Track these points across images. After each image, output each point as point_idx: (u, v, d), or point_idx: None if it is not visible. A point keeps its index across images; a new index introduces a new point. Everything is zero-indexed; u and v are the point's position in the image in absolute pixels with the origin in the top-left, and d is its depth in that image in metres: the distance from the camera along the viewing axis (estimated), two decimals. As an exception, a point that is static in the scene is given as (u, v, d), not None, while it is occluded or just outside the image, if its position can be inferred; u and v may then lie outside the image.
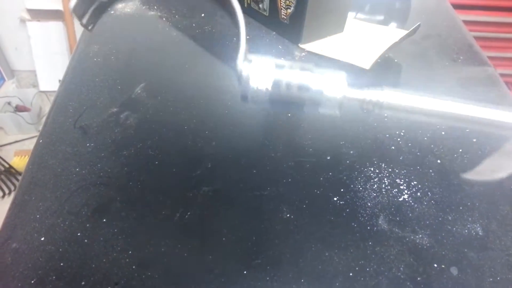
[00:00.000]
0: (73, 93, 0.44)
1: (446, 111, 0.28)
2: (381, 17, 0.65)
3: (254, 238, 0.33)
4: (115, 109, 0.42)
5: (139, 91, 0.44)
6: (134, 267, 0.31)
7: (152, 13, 0.56)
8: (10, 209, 0.34)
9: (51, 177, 0.36)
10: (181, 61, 0.49)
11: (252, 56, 0.27)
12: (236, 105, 0.44)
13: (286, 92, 0.27)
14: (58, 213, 0.34)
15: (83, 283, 0.30)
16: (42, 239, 0.32)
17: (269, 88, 0.27)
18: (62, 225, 0.33)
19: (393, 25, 0.63)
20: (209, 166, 0.38)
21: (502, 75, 1.64)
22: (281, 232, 0.34)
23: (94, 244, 0.32)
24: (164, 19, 0.55)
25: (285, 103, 0.28)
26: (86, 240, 0.32)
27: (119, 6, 0.56)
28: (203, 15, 0.56)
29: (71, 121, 0.41)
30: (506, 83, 1.68)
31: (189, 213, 0.35)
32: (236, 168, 0.39)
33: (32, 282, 0.30)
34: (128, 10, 0.56)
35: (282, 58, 0.29)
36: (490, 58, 1.56)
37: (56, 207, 0.34)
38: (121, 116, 0.42)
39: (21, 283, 0.30)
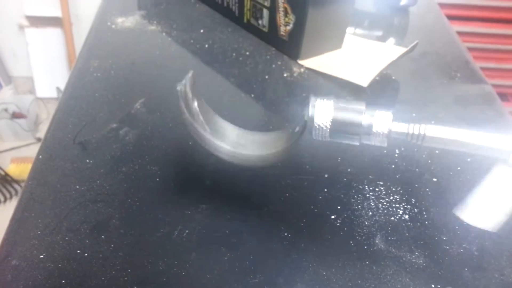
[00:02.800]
0: (72, 108, 0.44)
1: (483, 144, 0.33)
2: (379, 33, 0.66)
3: (251, 256, 0.34)
4: (114, 125, 0.42)
5: (138, 107, 0.45)
6: (132, 285, 0.31)
7: (152, 27, 0.56)
8: (9, 225, 0.34)
9: (50, 194, 0.36)
10: (181, 77, 0.49)
11: (316, 100, 0.33)
12: (237, 122, 0.45)
13: (343, 128, 0.33)
14: (57, 230, 0.34)
15: (81, 301, 0.30)
16: (42, 256, 0.32)
17: (328, 126, 0.33)
18: (61, 242, 0.33)
19: (391, 40, 0.64)
20: (208, 183, 0.39)
21: (502, 86, 1.67)
22: (278, 251, 0.34)
23: (93, 262, 0.32)
24: (164, 34, 0.56)
25: (343, 137, 0.34)
26: (85, 257, 0.32)
27: (119, 20, 0.56)
28: (202, 30, 0.56)
29: (71, 137, 0.41)
30: (506, 94, 1.70)
31: (187, 231, 0.35)
32: (234, 186, 0.39)
33: (31, 300, 0.30)
34: (129, 24, 0.56)
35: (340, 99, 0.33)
36: (489, 69, 1.58)
37: (55, 224, 0.34)
38: (121, 132, 0.42)
39: (20, 302, 0.30)
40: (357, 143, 0.34)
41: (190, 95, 0.34)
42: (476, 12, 1.51)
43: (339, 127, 0.33)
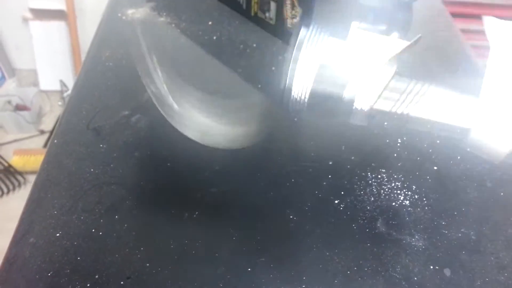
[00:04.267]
0: (86, 96, 0.45)
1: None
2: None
3: (258, 237, 0.35)
4: (126, 112, 0.44)
5: (149, 96, 0.46)
6: (145, 262, 0.33)
7: (161, 19, 0.58)
8: (26, 205, 0.36)
9: (65, 176, 0.38)
10: (190, 67, 0.50)
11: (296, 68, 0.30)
12: (244, 111, 0.46)
13: (322, 102, 0.30)
14: (73, 210, 0.35)
15: (96, 276, 0.32)
16: (58, 234, 0.34)
17: (306, 99, 0.30)
18: (76, 221, 0.35)
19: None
20: (217, 168, 0.40)
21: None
22: (284, 233, 0.36)
23: (107, 240, 0.34)
24: (173, 25, 0.57)
25: (320, 109, 0.31)
26: (100, 236, 0.34)
27: (130, 12, 0.58)
28: (210, 22, 0.58)
29: (84, 123, 0.42)
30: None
31: (197, 212, 0.36)
32: (242, 171, 0.40)
33: (49, 274, 0.32)
34: (138, 16, 0.57)
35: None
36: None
37: (70, 204, 0.36)
38: (132, 119, 0.43)
39: (39, 275, 0.31)
40: (337, 119, 0.32)
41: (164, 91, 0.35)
42: (489, 10, 1.52)
43: (317, 100, 0.30)
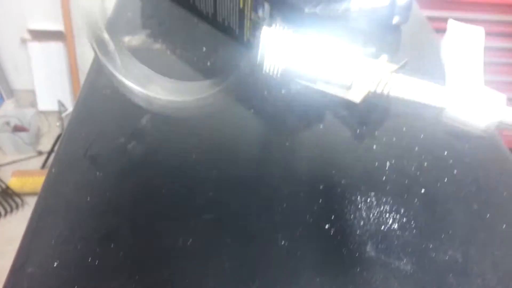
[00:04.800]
0: (82, 123, 0.47)
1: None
2: (373, 49, 0.69)
3: (250, 264, 0.36)
4: (122, 139, 0.45)
5: (144, 122, 0.47)
6: (140, 290, 0.34)
7: (157, 46, 0.59)
8: (24, 235, 0.37)
9: (63, 205, 0.39)
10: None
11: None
12: (236, 135, 0.48)
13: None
14: (70, 240, 0.36)
15: (93, 305, 0.33)
16: (56, 264, 0.35)
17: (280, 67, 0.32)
18: (73, 251, 0.36)
19: (384, 57, 0.67)
20: (210, 194, 0.41)
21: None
22: (276, 259, 0.37)
23: (103, 269, 0.35)
24: (168, 52, 0.59)
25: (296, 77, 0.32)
26: (96, 265, 0.35)
27: (126, 39, 0.59)
28: (204, 49, 0.60)
29: (82, 151, 0.43)
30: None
31: (191, 239, 0.37)
32: (235, 197, 0.41)
33: (47, 304, 0.32)
34: (135, 43, 0.59)
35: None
36: (490, 82, 1.61)
37: (68, 233, 0.37)
38: (128, 146, 0.45)
39: (37, 305, 0.32)
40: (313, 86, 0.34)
41: (106, 38, 0.34)
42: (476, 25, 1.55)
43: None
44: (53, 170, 0.42)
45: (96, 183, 0.41)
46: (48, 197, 0.40)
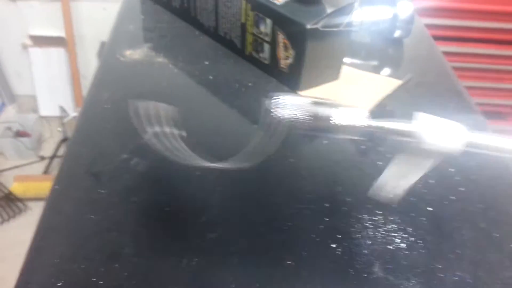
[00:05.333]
0: (85, 140, 0.46)
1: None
2: (375, 63, 0.69)
3: (257, 285, 0.36)
4: (125, 156, 0.45)
5: (147, 138, 0.47)
6: (144, 312, 0.33)
7: (159, 59, 0.59)
8: (28, 254, 0.36)
9: (66, 223, 0.39)
10: (186, 108, 0.51)
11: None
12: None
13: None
14: (74, 259, 0.36)
15: (97, 328, 0.32)
16: (60, 284, 0.34)
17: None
18: (77, 270, 0.35)
19: (386, 70, 0.67)
20: (215, 212, 0.41)
21: (499, 105, 1.70)
22: (282, 279, 0.36)
23: (107, 290, 0.34)
24: (170, 65, 0.58)
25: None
26: (100, 285, 0.34)
27: (128, 52, 0.59)
28: (206, 62, 0.59)
29: (84, 168, 0.43)
30: (502, 113, 1.74)
31: (196, 259, 0.37)
32: (240, 215, 0.41)
33: (50, 327, 0.32)
34: (137, 56, 0.59)
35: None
36: (487, 89, 1.62)
37: (71, 252, 0.36)
38: (131, 162, 0.44)
39: (39, 328, 0.32)
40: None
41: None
42: (474, 33, 1.56)
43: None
44: (56, 187, 0.41)
45: (99, 201, 0.40)
46: (51, 215, 0.39)
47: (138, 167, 0.44)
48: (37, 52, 1.98)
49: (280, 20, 0.53)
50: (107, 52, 0.61)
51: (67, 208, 0.40)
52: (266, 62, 0.58)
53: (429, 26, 0.80)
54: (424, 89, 0.60)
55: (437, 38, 0.77)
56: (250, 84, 0.57)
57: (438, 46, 0.74)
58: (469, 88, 1.50)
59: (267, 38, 0.56)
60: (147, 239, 0.38)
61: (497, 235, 0.41)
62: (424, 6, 1.43)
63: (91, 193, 0.41)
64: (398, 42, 0.71)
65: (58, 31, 1.91)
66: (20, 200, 1.67)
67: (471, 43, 1.57)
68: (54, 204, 0.40)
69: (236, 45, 0.61)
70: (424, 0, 1.44)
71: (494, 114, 1.76)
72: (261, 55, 0.58)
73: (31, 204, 1.69)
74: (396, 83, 0.55)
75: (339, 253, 0.39)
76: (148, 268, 0.36)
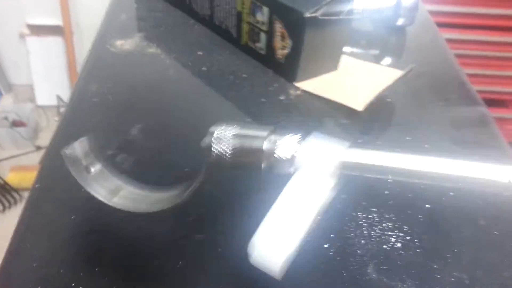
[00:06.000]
0: (70, 135, 0.44)
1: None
2: (376, 52, 0.66)
3: (246, 286, 0.34)
4: (111, 152, 0.43)
5: (135, 133, 0.45)
6: (126, 318, 0.32)
7: (151, 50, 0.57)
8: (6, 256, 0.35)
9: (46, 224, 0.37)
10: (177, 101, 0.50)
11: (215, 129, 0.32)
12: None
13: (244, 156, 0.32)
14: (53, 262, 0.34)
15: (76, 335, 0.31)
16: (37, 289, 0.33)
17: (228, 155, 0.32)
18: (56, 275, 0.34)
19: (387, 60, 0.64)
20: (202, 211, 0.39)
21: (501, 93, 1.68)
22: (273, 280, 0.35)
23: (88, 295, 0.33)
24: (163, 56, 0.56)
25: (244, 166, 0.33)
26: (80, 291, 0.33)
27: (119, 43, 0.57)
28: (200, 53, 0.57)
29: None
30: (506, 101, 1.71)
31: (180, 262, 0.35)
32: (228, 214, 0.39)
33: (26, 334, 0.30)
34: (128, 47, 0.57)
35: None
36: (490, 76, 1.60)
37: (50, 255, 0.35)
38: (117, 159, 0.42)
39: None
40: (260, 171, 0.33)
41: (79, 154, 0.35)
42: (477, 20, 1.53)
43: (239, 155, 0.32)
44: (36, 185, 0.40)
45: (81, 200, 0.39)
46: (31, 216, 0.38)
47: (124, 164, 0.42)
48: (34, 41, 1.95)
49: (278, 8, 0.50)
50: (97, 42, 0.59)
51: (48, 208, 0.38)
52: (263, 52, 0.56)
53: (432, 13, 0.78)
54: (426, 79, 0.58)
55: (440, 25, 0.74)
56: (245, 75, 0.55)
57: (442, 33, 0.71)
58: (472, 75, 1.48)
59: (263, 28, 0.53)
60: (129, 242, 0.37)
61: (497, 233, 0.40)
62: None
63: (72, 192, 0.39)
64: (401, 30, 0.68)
65: (55, 20, 1.89)
66: (16, 190, 1.66)
67: (475, 30, 1.54)
68: (34, 204, 0.38)
69: (232, 35, 0.59)
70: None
71: (496, 101, 1.74)
72: (257, 45, 0.56)
73: (26, 194, 1.68)
74: (397, 73, 0.52)
75: (332, 253, 0.37)
76: (130, 273, 0.35)
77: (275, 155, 0.31)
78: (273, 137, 0.32)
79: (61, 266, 0.34)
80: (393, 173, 0.31)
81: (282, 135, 0.32)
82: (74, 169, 0.34)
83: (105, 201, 0.34)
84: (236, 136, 0.32)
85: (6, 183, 1.65)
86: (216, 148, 0.32)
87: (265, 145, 0.32)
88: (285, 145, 0.31)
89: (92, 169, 0.35)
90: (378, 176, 0.31)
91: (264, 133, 0.32)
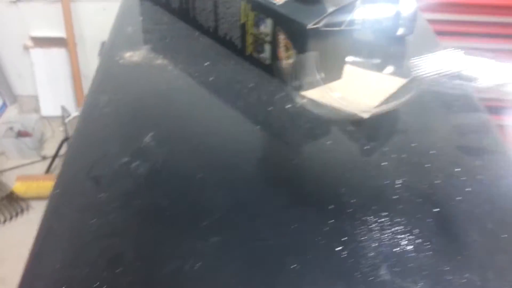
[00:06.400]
0: (85, 143, 0.46)
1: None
2: (378, 61, 0.68)
3: (261, 289, 0.35)
4: (126, 159, 0.44)
5: (148, 140, 0.46)
6: (147, 319, 0.33)
7: (158, 61, 0.59)
8: (29, 259, 0.36)
9: (66, 228, 0.38)
10: (187, 110, 0.51)
11: None
12: (242, 153, 0.47)
13: None
14: (75, 264, 0.35)
15: (99, 335, 0.32)
16: (62, 289, 0.34)
17: None
18: (79, 275, 0.35)
19: (390, 68, 0.66)
20: (217, 216, 0.40)
21: (501, 100, 1.69)
22: (286, 283, 0.36)
23: (110, 296, 0.34)
24: (170, 67, 0.58)
25: None
26: (102, 291, 0.34)
27: (127, 55, 0.58)
28: (206, 63, 0.59)
29: (84, 172, 0.42)
30: (506, 107, 1.73)
31: (198, 263, 0.36)
32: (242, 218, 0.40)
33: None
34: (136, 58, 0.58)
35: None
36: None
37: (72, 257, 0.36)
38: (132, 165, 0.44)
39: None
40: None
41: None
42: (476, 28, 1.55)
43: None
44: (56, 191, 0.41)
45: (100, 205, 0.40)
46: (52, 220, 0.39)
47: (139, 170, 0.43)
48: (38, 53, 1.97)
49: (281, 20, 0.52)
50: (106, 54, 0.60)
51: (68, 212, 0.39)
52: (267, 62, 0.57)
53: (432, 21, 0.79)
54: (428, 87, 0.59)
55: (440, 33, 0.76)
56: (251, 84, 0.57)
57: (442, 42, 0.73)
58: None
59: (267, 38, 0.55)
60: (148, 243, 0.38)
61: (505, 235, 0.41)
62: (427, 1, 1.42)
63: (91, 197, 0.40)
64: (401, 39, 0.70)
65: (59, 32, 1.91)
66: (22, 199, 1.67)
67: (475, 38, 1.56)
68: (55, 209, 0.40)
69: (237, 46, 0.60)
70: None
71: (497, 108, 1.75)
72: (262, 55, 0.57)
73: (33, 203, 1.69)
74: (400, 81, 0.54)
75: (345, 256, 0.38)
76: (150, 274, 0.36)
77: None
78: None
79: (83, 267, 0.35)
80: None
81: None
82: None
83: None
84: None
85: (12, 193, 1.66)
86: None
87: None
88: None
89: None
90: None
91: None
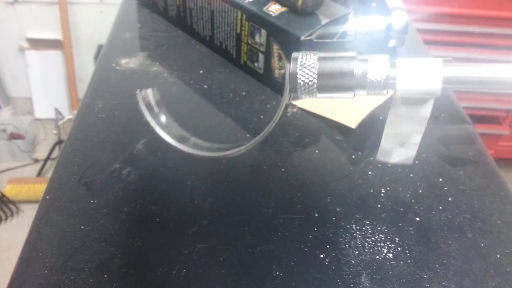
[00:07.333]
0: (78, 149, 0.47)
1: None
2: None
3: (245, 295, 0.36)
4: (117, 165, 0.45)
5: (140, 147, 0.47)
6: (133, 323, 0.34)
7: (154, 68, 0.60)
8: (17, 264, 0.37)
9: (56, 234, 0.39)
10: (180, 118, 0.52)
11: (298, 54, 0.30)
12: (232, 162, 0.48)
13: (332, 81, 0.30)
14: (63, 270, 0.36)
15: (85, 339, 0.33)
16: (49, 295, 0.34)
17: (315, 81, 0.30)
18: (67, 281, 0.35)
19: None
20: (205, 223, 0.41)
21: (495, 110, 1.71)
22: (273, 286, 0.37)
23: (96, 301, 0.35)
24: (165, 74, 0.59)
25: (333, 91, 0.31)
26: (89, 297, 0.35)
27: (123, 61, 0.60)
28: (201, 71, 0.60)
29: (76, 177, 0.43)
30: (498, 118, 1.75)
31: (184, 270, 0.37)
32: (230, 225, 0.41)
33: (38, 338, 0.32)
34: (132, 65, 0.59)
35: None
36: (482, 93, 1.60)
37: (61, 263, 0.37)
38: (123, 172, 0.45)
39: None
40: (351, 96, 0.31)
41: (152, 101, 0.36)
42: (466, 38, 1.57)
43: (327, 80, 0.30)
44: (47, 197, 0.42)
45: (90, 211, 0.41)
46: (42, 226, 0.39)
47: (130, 177, 0.44)
48: (33, 55, 1.97)
49: (275, 31, 0.53)
50: (102, 60, 0.61)
51: (58, 218, 0.40)
52: (261, 71, 0.58)
53: (424, 32, 0.81)
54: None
55: (432, 43, 0.77)
56: (244, 93, 0.58)
57: (433, 52, 0.75)
58: (464, 92, 1.51)
59: (262, 48, 0.56)
60: (136, 250, 0.39)
61: (483, 244, 0.42)
62: (420, 12, 1.44)
63: (82, 203, 0.41)
64: (392, 51, 0.71)
65: (55, 34, 1.91)
66: (13, 202, 1.67)
67: (467, 48, 1.58)
68: (45, 214, 0.40)
69: (232, 55, 0.61)
70: (420, 5, 1.45)
71: (490, 118, 1.77)
72: (256, 64, 0.58)
73: (23, 206, 1.69)
74: (388, 93, 0.55)
75: (327, 263, 0.39)
76: (137, 280, 0.37)
77: (368, 77, 0.29)
78: (362, 57, 0.30)
79: (71, 273, 0.36)
80: (492, 83, 0.31)
81: (371, 55, 0.30)
82: (147, 113, 0.36)
83: (179, 147, 0.37)
84: (322, 59, 0.30)
85: (3, 195, 1.65)
86: (302, 74, 0.30)
87: (357, 66, 0.29)
88: (377, 65, 0.29)
89: (162, 118, 0.37)
90: (478, 88, 0.31)
91: (352, 54, 0.30)
